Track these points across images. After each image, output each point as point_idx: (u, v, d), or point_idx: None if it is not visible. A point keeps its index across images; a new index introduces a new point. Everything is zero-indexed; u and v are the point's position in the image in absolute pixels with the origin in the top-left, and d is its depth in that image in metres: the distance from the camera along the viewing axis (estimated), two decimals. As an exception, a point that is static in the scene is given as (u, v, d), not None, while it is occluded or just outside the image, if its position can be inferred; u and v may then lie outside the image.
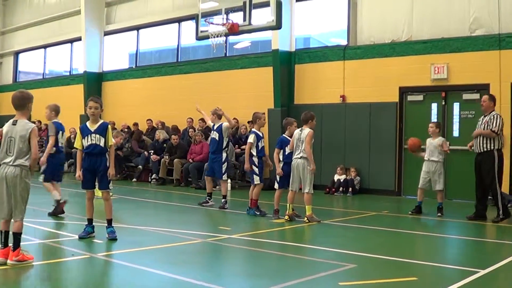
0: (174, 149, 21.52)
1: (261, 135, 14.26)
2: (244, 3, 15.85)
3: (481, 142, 13.17)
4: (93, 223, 10.46)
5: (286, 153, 13.55)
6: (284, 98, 20.68)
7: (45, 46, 31.83)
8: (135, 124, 24.69)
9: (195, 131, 21.75)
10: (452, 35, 17.59)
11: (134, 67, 27.35)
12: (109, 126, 10.52)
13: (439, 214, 13.98)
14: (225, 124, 15.37)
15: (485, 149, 13.08)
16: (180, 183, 21.12)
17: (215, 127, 15.39)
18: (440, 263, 8.96)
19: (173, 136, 21.81)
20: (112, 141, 10.41)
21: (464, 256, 10.09)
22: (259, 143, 14.04)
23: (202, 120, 21.93)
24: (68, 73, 30.79)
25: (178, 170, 21.18)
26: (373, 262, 9.13)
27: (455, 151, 17.38)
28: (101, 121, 10.39)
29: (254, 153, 14.04)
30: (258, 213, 13.78)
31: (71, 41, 29.78)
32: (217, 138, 15.23)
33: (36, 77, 33.02)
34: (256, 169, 14.01)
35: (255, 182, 14.03)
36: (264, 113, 14.97)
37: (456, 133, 17.55)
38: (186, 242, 10.45)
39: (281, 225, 12.49)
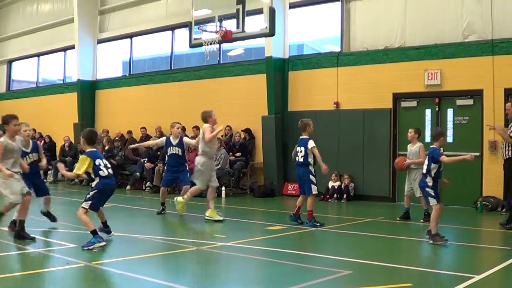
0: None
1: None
2: (237, 10, 15.86)
3: (505, 148, 13.07)
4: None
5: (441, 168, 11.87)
6: (278, 105, 20.69)
7: (38, 55, 31.75)
8: (129, 132, 24.65)
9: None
10: (445, 41, 17.64)
11: (127, 75, 27.31)
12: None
13: (421, 220, 13.88)
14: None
15: (508, 156, 12.96)
16: (174, 191, 21.07)
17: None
18: (435, 269, 8.97)
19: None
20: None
21: (458, 261, 10.10)
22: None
23: (197, 128, 21.96)
24: (61, 82, 30.72)
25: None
26: (368, 268, 9.12)
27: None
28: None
29: (312, 162, 13.34)
30: (318, 224, 13.18)
31: (64, 49, 29.71)
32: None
33: (30, 86, 32.91)
34: (313, 179, 13.36)
35: (313, 192, 13.30)
36: (311, 120, 14.06)
37: (450, 139, 17.55)
38: (181, 250, 10.44)
39: (276, 232, 12.47)
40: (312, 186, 13.26)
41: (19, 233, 10.78)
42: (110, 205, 16.91)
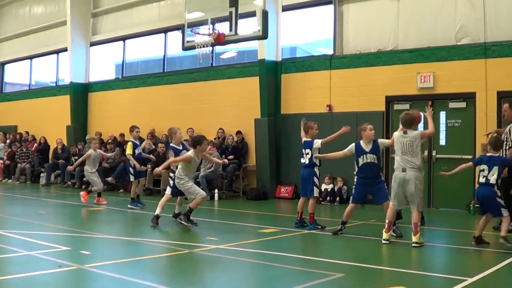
0: (161, 159, 21.35)
1: None
2: (230, 13, 15.87)
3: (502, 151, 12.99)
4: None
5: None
6: (271, 108, 20.68)
7: (31, 57, 31.72)
8: (122, 135, 24.59)
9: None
10: (438, 44, 17.67)
11: (120, 77, 27.26)
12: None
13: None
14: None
15: None
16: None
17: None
18: (428, 272, 8.96)
19: (159, 145, 21.56)
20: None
21: (451, 264, 10.09)
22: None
23: (192, 130, 21.91)
24: (54, 84, 30.67)
25: (165, 180, 21.04)
26: (361, 271, 9.12)
27: (441, 159, 17.45)
28: None
29: (317, 163, 13.23)
30: (319, 227, 13.15)
31: (57, 52, 29.68)
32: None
33: (22, 88, 32.87)
34: (317, 181, 13.23)
35: (315, 194, 13.19)
36: (316, 122, 13.75)
37: (442, 141, 17.60)
38: (174, 253, 10.42)
39: (268, 235, 12.45)
40: (315, 188, 13.18)
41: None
42: (102, 208, 16.99)
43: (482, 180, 10.92)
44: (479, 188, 11.04)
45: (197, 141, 13.34)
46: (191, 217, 13.00)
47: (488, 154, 11.12)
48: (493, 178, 10.80)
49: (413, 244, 10.99)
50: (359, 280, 8.50)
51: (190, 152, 13.33)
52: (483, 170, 10.92)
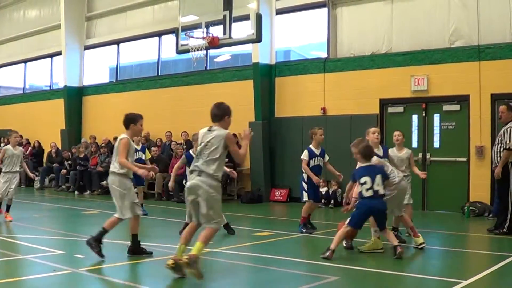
0: (155, 162, 21.32)
1: (315, 151, 13.32)
2: (224, 16, 15.86)
3: (496, 154, 12.97)
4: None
5: None
6: (265, 111, 20.69)
7: (25, 61, 31.66)
8: (115, 139, 24.50)
9: (176, 144, 21.65)
10: (432, 46, 17.70)
11: (114, 81, 27.27)
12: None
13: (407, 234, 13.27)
14: None
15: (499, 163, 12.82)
16: (161, 197, 21.04)
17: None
18: (422, 274, 8.96)
19: (153, 148, 21.49)
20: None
21: (446, 267, 10.09)
22: (310, 161, 13.23)
23: (186, 133, 21.87)
24: (48, 88, 30.64)
25: (160, 184, 21.06)
26: (356, 274, 9.11)
27: (436, 162, 17.47)
28: None
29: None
30: (304, 231, 13.14)
31: (51, 55, 29.64)
32: None
33: (17, 92, 32.80)
34: (305, 186, 13.19)
35: (304, 199, 13.24)
36: (321, 128, 13.71)
37: (437, 144, 17.61)
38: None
39: (263, 238, 12.45)
40: (304, 193, 13.22)
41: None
42: (96, 211, 16.96)
43: (369, 193, 10.14)
44: (372, 200, 10.22)
45: (131, 119, 10.65)
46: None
47: (363, 165, 10.57)
48: (381, 189, 10.21)
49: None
50: (354, 283, 8.51)
51: (124, 135, 10.55)
52: (364, 183, 10.22)
